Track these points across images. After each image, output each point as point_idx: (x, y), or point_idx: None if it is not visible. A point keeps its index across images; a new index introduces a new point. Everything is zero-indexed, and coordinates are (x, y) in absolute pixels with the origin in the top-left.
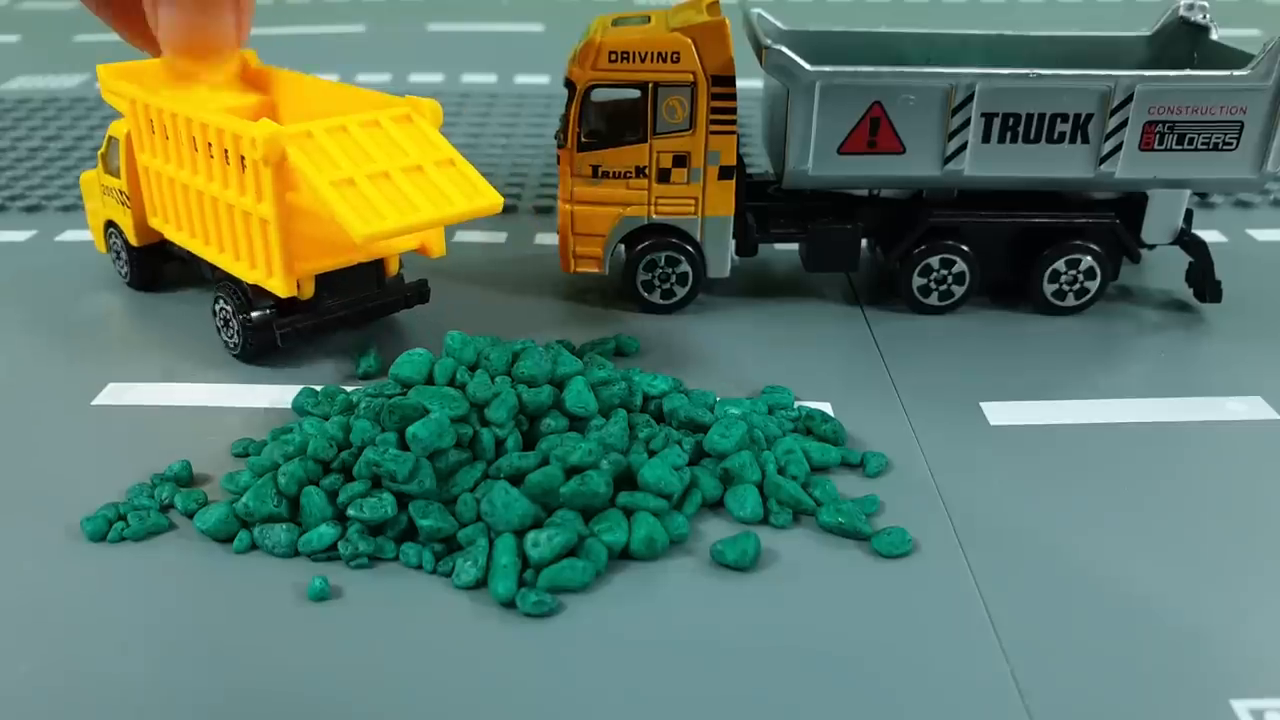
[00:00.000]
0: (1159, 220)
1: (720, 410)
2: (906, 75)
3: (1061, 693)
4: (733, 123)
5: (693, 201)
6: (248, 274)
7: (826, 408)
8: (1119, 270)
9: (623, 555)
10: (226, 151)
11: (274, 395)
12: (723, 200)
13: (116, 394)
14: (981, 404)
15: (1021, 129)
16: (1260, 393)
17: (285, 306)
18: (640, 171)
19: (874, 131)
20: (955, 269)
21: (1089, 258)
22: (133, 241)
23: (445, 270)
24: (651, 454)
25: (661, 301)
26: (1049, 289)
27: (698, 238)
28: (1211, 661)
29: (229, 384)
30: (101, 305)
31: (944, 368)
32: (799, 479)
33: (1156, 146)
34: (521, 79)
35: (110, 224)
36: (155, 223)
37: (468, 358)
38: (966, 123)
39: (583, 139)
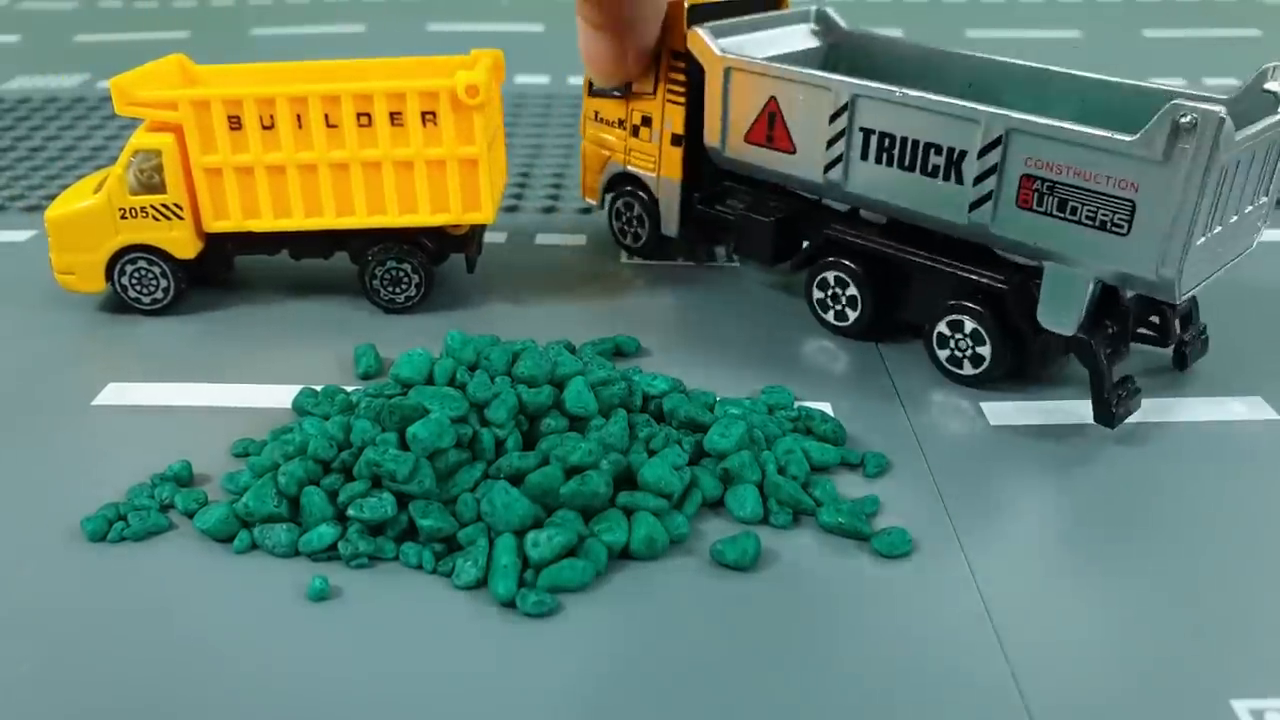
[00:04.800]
0: (1052, 301)
1: (720, 410)
2: (796, 74)
3: (1061, 693)
4: (683, 95)
5: (653, 160)
6: (432, 219)
7: (826, 408)
8: (1026, 349)
9: (623, 555)
10: (394, 115)
11: (274, 395)
12: (672, 165)
13: (116, 394)
14: (981, 404)
15: (897, 152)
16: (1260, 393)
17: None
18: (621, 124)
19: (770, 126)
20: (848, 291)
21: (970, 320)
22: (185, 255)
23: (445, 270)
24: (651, 454)
25: (630, 244)
26: (941, 353)
27: (655, 193)
28: (1211, 661)
29: (229, 384)
30: (102, 305)
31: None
32: (799, 479)
33: (1035, 207)
34: (521, 79)
35: (127, 252)
36: (225, 225)
37: (468, 358)
38: (843, 134)
39: (593, 86)
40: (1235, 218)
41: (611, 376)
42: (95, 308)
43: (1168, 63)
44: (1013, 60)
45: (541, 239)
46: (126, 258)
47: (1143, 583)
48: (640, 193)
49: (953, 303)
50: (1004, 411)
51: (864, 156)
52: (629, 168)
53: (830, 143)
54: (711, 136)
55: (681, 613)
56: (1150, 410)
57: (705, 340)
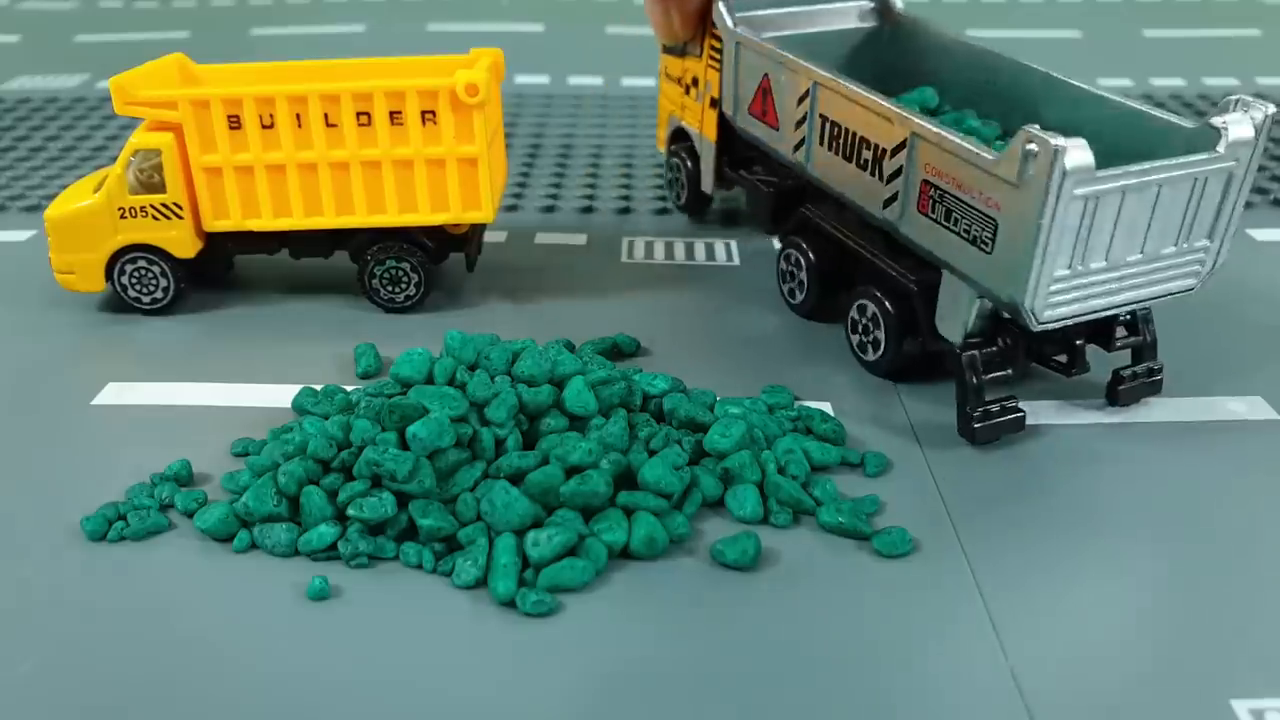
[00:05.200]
0: (946, 309)
1: (720, 410)
2: (779, 55)
3: (1061, 693)
4: (719, 62)
5: (698, 119)
6: (432, 218)
7: (826, 408)
8: (926, 348)
9: (623, 555)
10: (394, 114)
11: (274, 395)
12: (710, 126)
13: (116, 394)
14: None
15: (841, 142)
16: (1260, 393)
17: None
18: (680, 81)
19: (765, 101)
20: (801, 273)
21: (872, 305)
22: (185, 254)
23: (445, 270)
24: (651, 454)
25: (675, 200)
26: (854, 339)
27: (698, 150)
28: (1211, 661)
29: (229, 384)
30: (102, 305)
31: (944, 368)
32: (799, 479)
33: (929, 213)
34: (521, 79)
35: (127, 252)
36: (224, 224)
37: (467, 357)
38: (805, 117)
39: (664, 45)
40: (1138, 256)
41: (611, 376)
42: (95, 308)
43: (1168, 63)
44: (1058, 75)
45: (541, 239)
46: (126, 257)
47: (1143, 582)
48: (688, 148)
49: (862, 288)
50: None
51: (820, 141)
52: (683, 123)
53: (798, 124)
54: (726, 105)
55: (681, 613)
56: (1150, 410)
57: (705, 340)
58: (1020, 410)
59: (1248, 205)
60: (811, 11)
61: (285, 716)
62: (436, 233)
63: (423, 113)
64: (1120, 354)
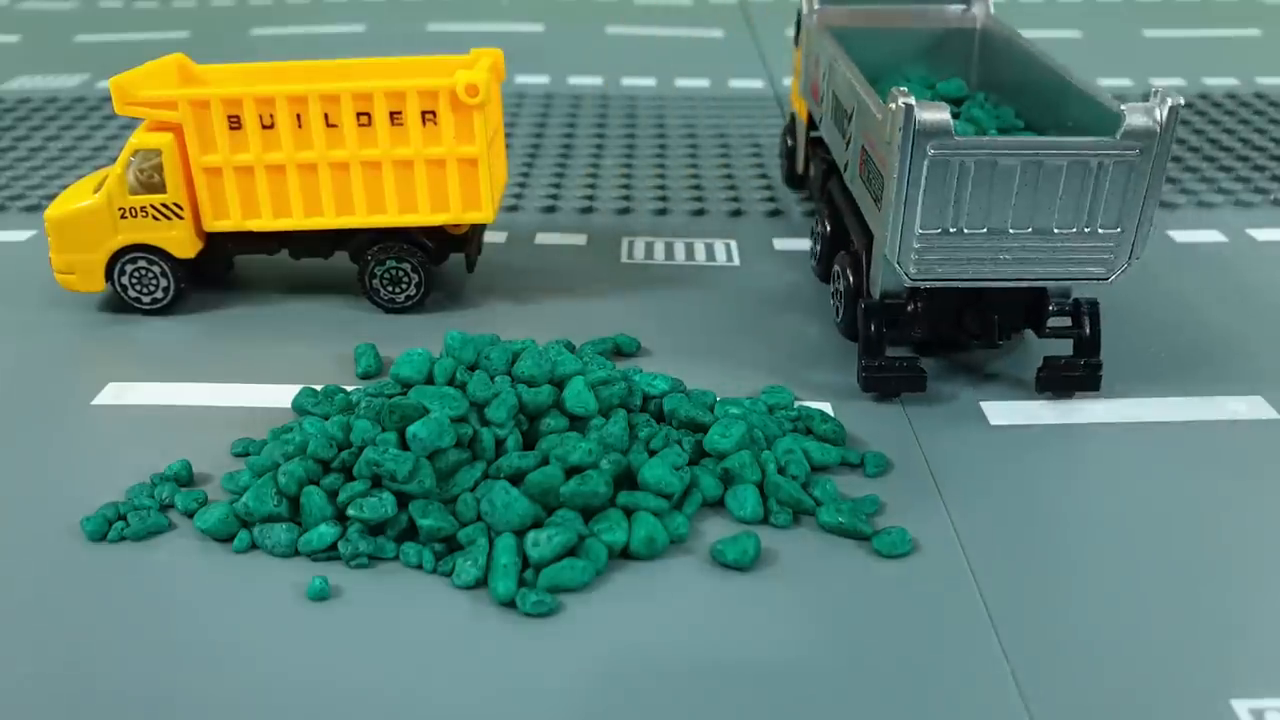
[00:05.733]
0: (873, 269)
1: (720, 410)
2: (822, 37)
3: (1061, 693)
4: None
5: (796, 100)
6: (432, 218)
7: (826, 408)
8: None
9: (623, 555)
10: (394, 114)
11: (274, 395)
12: (801, 106)
13: (116, 394)
14: (981, 404)
15: (834, 109)
16: (1260, 393)
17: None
18: (797, 73)
19: (819, 82)
20: (820, 240)
21: (837, 267)
22: (185, 254)
23: (445, 270)
24: (651, 454)
25: (784, 173)
26: (831, 302)
27: (794, 130)
28: (1211, 661)
29: (229, 384)
30: (102, 305)
31: (944, 368)
32: (799, 479)
33: (864, 177)
34: (521, 79)
35: (127, 252)
36: (224, 224)
37: (467, 357)
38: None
39: (796, 40)
40: (1027, 230)
41: (611, 376)
42: (95, 308)
43: (1168, 63)
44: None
45: (541, 239)
46: (126, 257)
47: (1143, 582)
48: (793, 127)
49: (838, 253)
50: (1004, 411)
51: (830, 116)
52: (792, 110)
53: (822, 100)
54: (800, 84)
55: (681, 613)
56: (1149, 410)
57: (705, 340)
58: (921, 371)
59: (1248, 205)
60: (899, 11)
61: (285, 716)
62: (437, 233)
63: (423, 113)
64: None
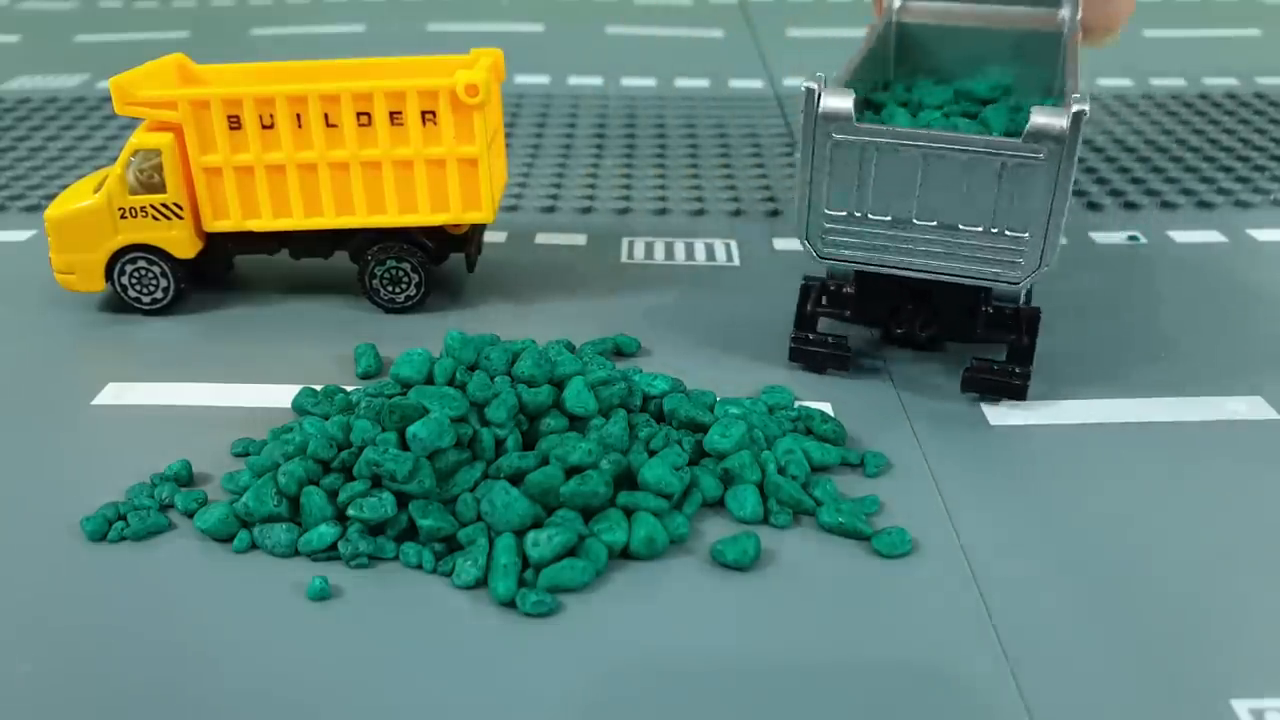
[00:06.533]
0: None
1: (720, 410)
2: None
3: (1061, 693)
4: None
5: None
6: (432, 218)
7: (826, 408)
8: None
9: (623, 555)
10: (394, 114)
11: (274, 395)
12: None
13: (116, 394)
14: (981, 404)
15: None
16: (1260, 393)
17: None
18: None
19: None
20: None
21: None
22: (185, 254)
23: (445, 270)
24: (651, 454)
25: None
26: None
27: None
28: (1211, 661)
29: (229, 384)
30: (102, 305)
31: (944, 368)
32: (799, 479)
33: None
34: (521, 79)
35: (127, 252)
36: (224, 224)
37: (467, 357)
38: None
39: None
40: (931, 223)
41: (611, 376)
42: (95, 308)
43: (1168, 63)
44: None
45: (541, 239)
46: (126, 257)
47: (1143, 582)
48: None
49: None
50: (1004, 412)
51: None
52: None
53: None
54: None
55: (681, 613)
56: (1150, 410)
57: (705, 340)
58: (846, 351)
59: (1247, 205)
60: (985, 10)
61: (285, 716)
62: (436, 233)
63: (423, 113)
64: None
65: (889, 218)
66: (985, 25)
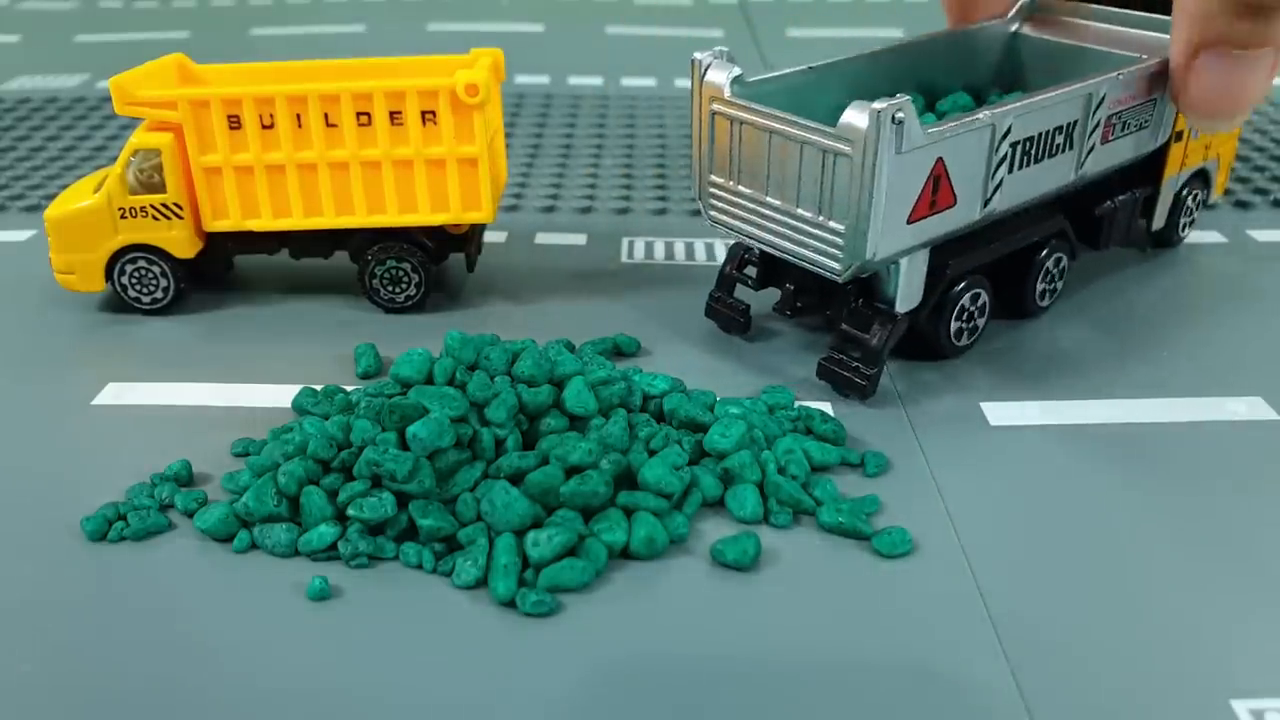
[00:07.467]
0: None
1: (720, 410)
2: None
3: (1061, 693)
4: None
5: None
6: (431, 218)
7: (826, 408)
8: None
9: (623, 555)
10: (394, 114)
11: (274, 395)
12: None
13: (116, 394)
14: (981, 404)
15: None
16: (1260, 393)
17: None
18: None
19: None
20: None
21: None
22: (185, 254)
23: (445, 270)
24: (651, 454)
25: None
26: None
27: None
28: (1211, 661)
29: (229, 384)
30: (102, 305)
31: (944, 368)
32: (799, 479)
33: None
34: (521, 79)
35: (127, 252)
36: (224, 224)
37: (467, 357)
38: None
39: None
40: (776, 201)
41: (611, 376)
42: (95, 308)
43: None
44: None
45: (541, 239)
46: (126, 257)
47: (1143, 582)
48: None
49: None
50: (1004, 411)
51: None
52: None
53: None
54: None
55: (681, 613)
56: (1150, 410)
57: (705, 340)
58: (746, 316)
59: (1247, 205)
60: (1103, 30)
61: (285, 716)
62: (436, 233)
63: (423, 113)
64: None
65: (749, 191)
66: (1100, 47)
